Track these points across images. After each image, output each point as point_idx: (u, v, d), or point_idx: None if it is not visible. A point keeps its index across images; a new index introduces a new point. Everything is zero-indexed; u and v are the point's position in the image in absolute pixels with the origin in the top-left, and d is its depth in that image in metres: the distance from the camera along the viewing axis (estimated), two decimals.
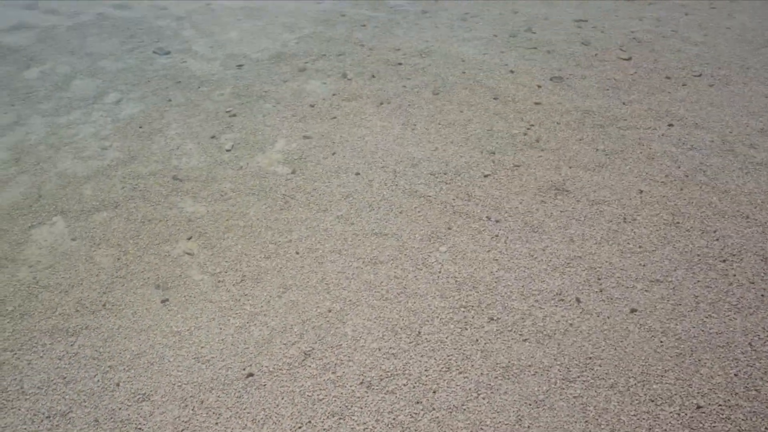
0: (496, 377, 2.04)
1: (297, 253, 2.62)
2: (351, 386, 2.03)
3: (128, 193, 3.05)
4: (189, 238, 2.73)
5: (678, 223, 2.66)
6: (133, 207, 2.94)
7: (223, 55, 4.39)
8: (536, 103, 3.61)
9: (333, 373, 2.08)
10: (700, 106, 3.52)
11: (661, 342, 2.13)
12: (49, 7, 5.40)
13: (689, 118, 3.41)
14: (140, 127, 3.60)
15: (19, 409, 2.03)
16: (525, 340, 2.16)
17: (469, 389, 2.00)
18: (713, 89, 3.69)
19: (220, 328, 2.29)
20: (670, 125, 3.35)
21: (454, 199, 2.86)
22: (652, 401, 1.94)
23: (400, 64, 4.16)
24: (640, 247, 2.54)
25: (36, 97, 3.97)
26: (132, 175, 3.19)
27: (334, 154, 3.25)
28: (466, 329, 2.21)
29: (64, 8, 5.36)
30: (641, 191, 2.86)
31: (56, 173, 3.23)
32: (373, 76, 4.02)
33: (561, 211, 2.76)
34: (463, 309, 2.30)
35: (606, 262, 2.48)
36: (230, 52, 4.42)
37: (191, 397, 2.04)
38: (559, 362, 2.07)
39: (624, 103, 3.58)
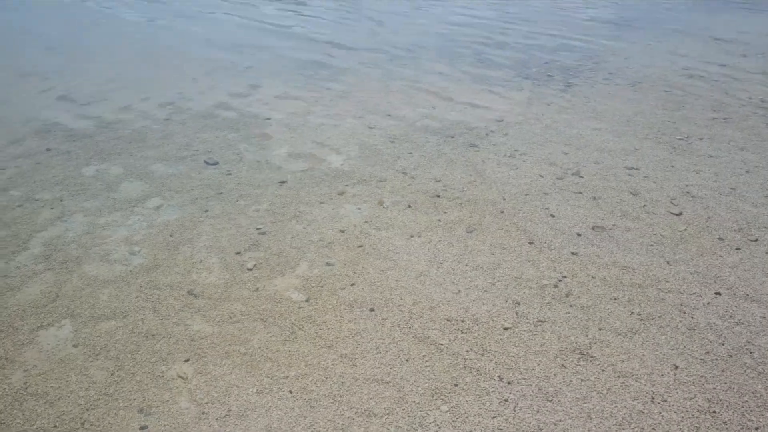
0: None
1: (290, 392, 2.50)
2: None
3: (141, 303, 3.06)
4: (186, 360, 2.68)
5: (714, 412, 2.40)
6: (141, 319, 2.94)
7: (269, 170, 4.53)
8: (573, 253, 3.48)
9: None
10: (754, 275, 3.29)
11: None
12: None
13: (740, 288, 3.18)
14: (171, 236, 3.69)
15: None
16: None
17: None
18: None
19: None
20: (718, 293, 3.13)
21: (467, 351, 2.71)
22: None
23: (438, 196, 4.16)
24: None
25: (85, 194, 4.17)
26: (150, 284, 3.22)
27: (352, 285, 3.19)
28: None
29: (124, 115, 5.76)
30: (676, 367, 2.63)
31: (79, 274, 3.31)
32: (409, 206, 4.02)
33: (582, 380, 2.55)
34: None
35: None
36: (276, 167, 4.57)
37: None
38: None
39: (668, 263, 3.39)
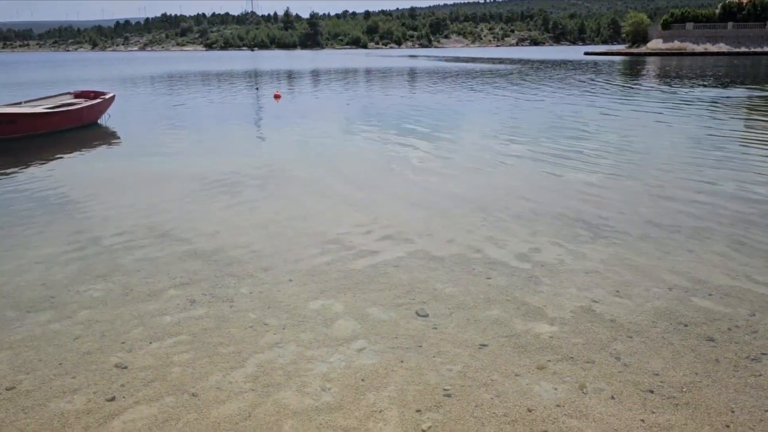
0: None
1: None
2: None
3: None
4: None
5: None
6: None
7: (474, 330, 4.59)
8: None
9: None
10: None
11: None
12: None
13: None
14: (363, 380, 3.93)
15: None
16: None
17: None
18: None
19: None
20: None
21: None
22: None
23: (651, 392, 3.78)
24: None
25: (304, 326, 4.69)
26: (329, 424, 3.45)
27: None
28: None
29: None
30: None
31: (274, 400, 3.70)
32: (613, 398, 3.71)
33: None
34: None
35: None
36: (482, 330, 4.61)
37: None
38: None
39: None
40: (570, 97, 24.57)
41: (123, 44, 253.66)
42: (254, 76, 45.38)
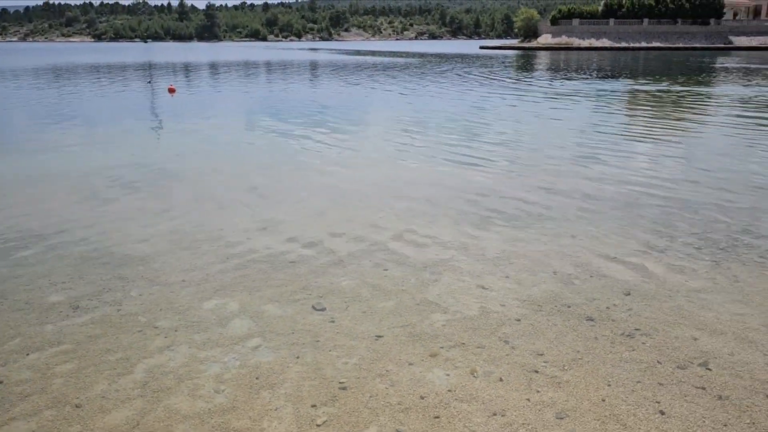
0: None
1: None
2: None
3: None
4: None
5: None
6: None
7: (370, 322, 4.64)
8: None
9: None
10: None
11: None
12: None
13: None
14: (257, 378, 3.87)
15: None
16: None
17: None
18: None
19: None
20: None
21: None
22: None
23: (536, 371, 3.97)
24: None
25: (198, 327, 4.56)
26: (221, 426, 3.38)
27: None
28: None
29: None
30: None
31: (165, 405, 3.57)
32: (501, 380, 3.86)
33: None
34: None
35: None
36: (378, 321, 4.66)
37: None
38: None
39: None
40: (466, 91, 25.27)
41: (1, 34, 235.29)
42: (148, 69, 43.43)
